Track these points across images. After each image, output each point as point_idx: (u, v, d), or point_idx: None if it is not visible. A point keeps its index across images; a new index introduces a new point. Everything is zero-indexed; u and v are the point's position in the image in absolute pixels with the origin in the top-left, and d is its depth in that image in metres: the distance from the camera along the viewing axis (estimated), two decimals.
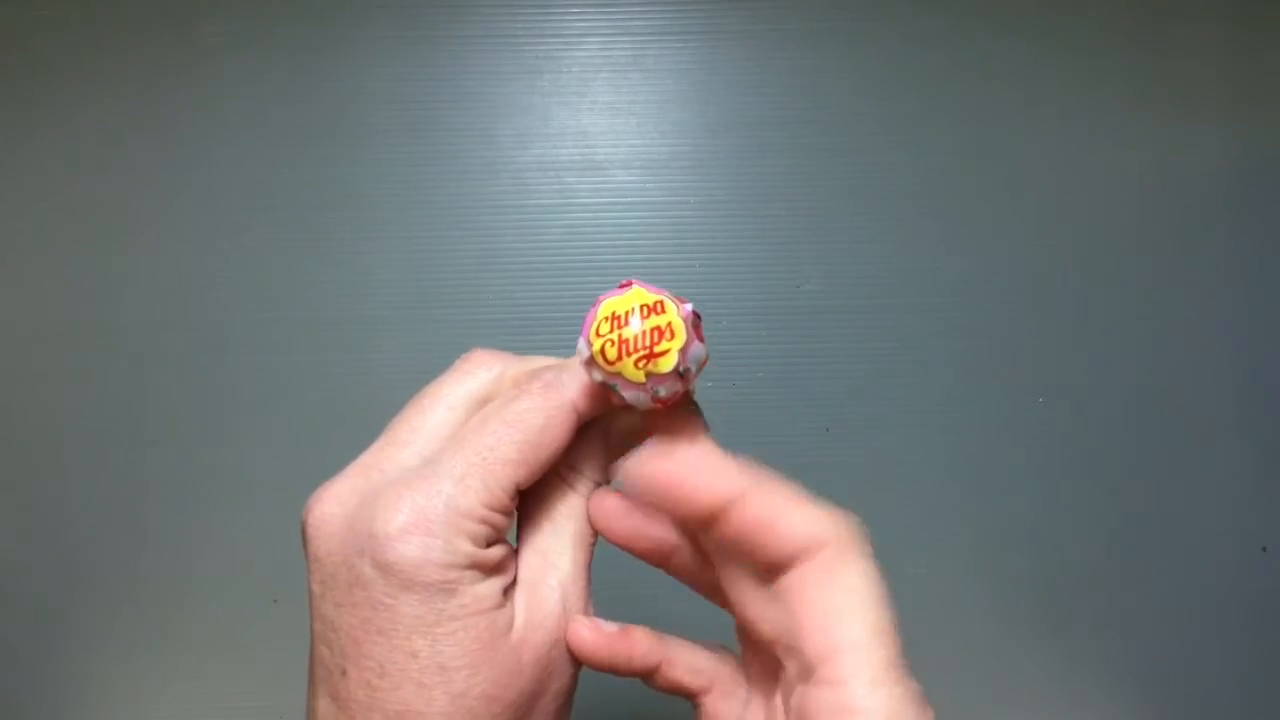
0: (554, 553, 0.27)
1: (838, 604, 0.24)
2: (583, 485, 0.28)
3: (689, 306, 0.26)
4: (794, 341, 0.55)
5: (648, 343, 0.24)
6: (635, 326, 0.24)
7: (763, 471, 0.25)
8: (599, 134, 0.55)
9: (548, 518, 0.27)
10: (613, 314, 0.25)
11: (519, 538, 0.28)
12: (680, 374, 0.25)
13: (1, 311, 0.54)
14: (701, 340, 0.26)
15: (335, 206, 0.54)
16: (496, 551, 0.25)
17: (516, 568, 0.27)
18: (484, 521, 0.25)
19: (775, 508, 0.25)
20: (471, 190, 0.55)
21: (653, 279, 0.57)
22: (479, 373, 0.28)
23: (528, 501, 0.28)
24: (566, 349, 0.54)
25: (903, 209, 0.55)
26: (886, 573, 0.26)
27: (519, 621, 0.25)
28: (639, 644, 0.27)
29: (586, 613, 0.27)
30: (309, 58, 0.55)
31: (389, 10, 0.55)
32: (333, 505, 0.26)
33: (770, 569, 0.25)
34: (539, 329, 0.54)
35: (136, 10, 0.54)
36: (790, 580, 0.24)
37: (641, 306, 0.25)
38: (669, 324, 0.24)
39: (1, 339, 0.54)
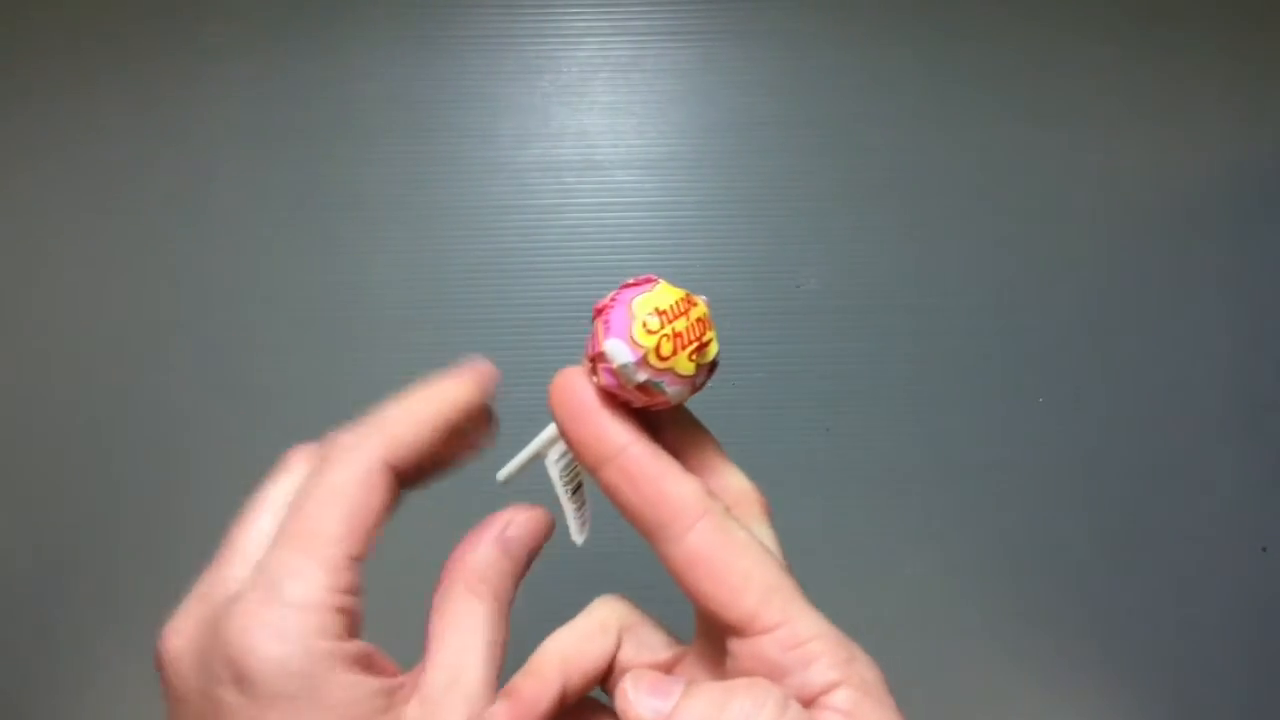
0: (460, 668, 0.25)
1: (738, 568, 0.24)
2: (489, 594, 0.26)
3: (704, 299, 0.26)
4: (794, 341, 0.55)
5: (697, 334, 0.24)
6: (684, 321, 0.24)
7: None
8: (599, 134, 0.55)
9: (454, 631, 0.26)
10: (657, 309, 0.24)
11: (424, 653, 0.26)
12: (716, 364, 0.25)
13: (3, 312, 0.54)
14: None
15: (335, 206, 0.55)
16: (357, 646, 0.24)
17: (415, 684, 0.25)
18: (335, 609, 0.24)
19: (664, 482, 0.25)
20: (471, 190, 0.55)
21: None
22: (299, 469, 0.27)
23: (433, 617, 0.26)
24: (566, 348, 0.54)
25: (902, 209, 0.55)
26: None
27: None
28: (546, 688, 0.26)
29: None
30: (309, 59, 0.55)
31: (389, 11, 0.55)
32: (178, 640, 0.25)
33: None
34: (539, 329, 0.54)
35: (137, 12, 0.55)
36: (686, 554, 0.24)
37: (680, 300, 0.25)
38: (705, 315, 0.25)
39: (1, 339, 0.54)
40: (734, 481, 0.28)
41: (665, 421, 0.27)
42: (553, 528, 0.29)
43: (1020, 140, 0.56)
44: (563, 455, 0.29)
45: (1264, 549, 0.55)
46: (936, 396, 0.55)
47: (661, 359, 0.24)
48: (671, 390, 0.25)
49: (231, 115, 0.55)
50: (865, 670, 0.24)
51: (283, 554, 0.24)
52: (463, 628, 0.26)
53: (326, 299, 0.54)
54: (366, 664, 0.24)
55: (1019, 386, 0.55)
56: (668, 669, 0.28)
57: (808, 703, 0.23)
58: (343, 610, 0.24)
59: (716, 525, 0.24)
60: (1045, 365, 0.55)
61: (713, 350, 0.25)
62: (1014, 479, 0.55)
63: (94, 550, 0.53)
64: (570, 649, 0.27)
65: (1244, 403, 0.55)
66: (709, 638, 0.27)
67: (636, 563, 0.29)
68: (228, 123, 0.55)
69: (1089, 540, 0.55)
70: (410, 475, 0.26)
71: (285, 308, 0.54)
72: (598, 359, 0.24)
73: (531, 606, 0.29)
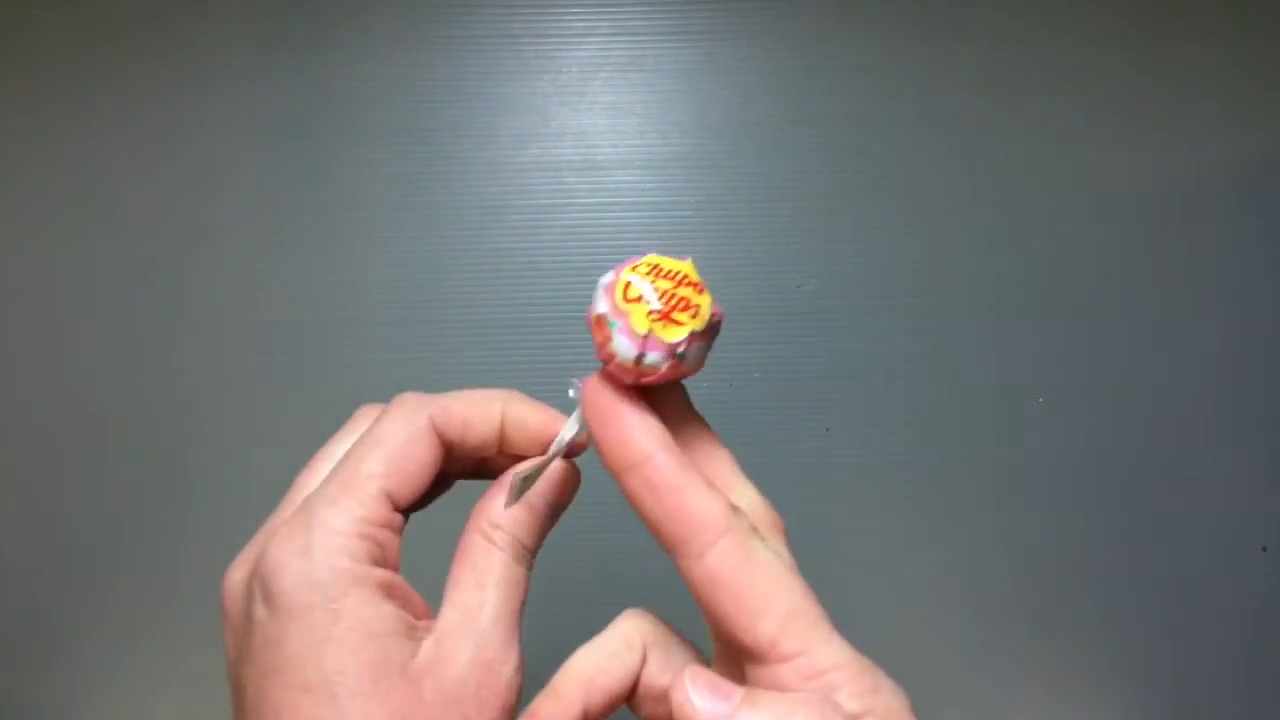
0: (473, 606, 0.26)
1: (758, 592, 0.24)
2: (506, 543, 0.27)
3: (720, 310, 0.26)
4: (794, 341, 0.55)
5: (670, 305, 0.24)
6: (668, 286, 0.24)
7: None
8: (599, 134, 0.55)
9: (470, 573, 0.27)
10: (658, 265, 0.25)
11: (443, 595, 0.27)
12: (676, 355, 0.24)
13: (1, 311, 0.54)
14: (707, 346, 0.25)
15: (335, 206, 0.54)
16: (382, 573, 0.25)
17: (435, 621, 0.26)
18: (361, 536, 0.25)
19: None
20: (471, 190, 0.55)
21: None
22: (364, 423, 0.29)
23: (453, 565, 0.27)
24: (566, 348, 0.54)
25: (902, 209, 0.55)
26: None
27: (421, 657, 0.24)
28: (566, 709, 0.26)
29: (509, 663, 0.25)
30: (309, 58, 0.55)
31: (389, 10, 0.55)
32: (236, 571, 0.26)
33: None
34: (538, 328, 0.54)
35: (137, 11, 0.54)
36: (706, 572, 0.24)
37: (685, 276, 0.25)
38: (698, 306, 0.25)
39: (2, 339, 0.54)
40: (747, 499, 0.27)
41: (681, 437, 0.27)
42: (577, 480, 0.29)
43: (1020, 140, 0.56)
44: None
45: (1264, 549, 0.55)
46: (936, 396, 0.55)
47: (625, 300, 0.24)
48: (618, 341, 0.24)
49: (231, 115, 0.55)
50: (890, 699, 0.23)
51: (324, 488, 0.26)
52: (478, 569, 0.27)
53: (326, 299, 0.54)
54: (391, 592, 0.25)
55: (1019, 386, 0.55)
56: None
57: None
58: (369, 538, 0.25)
59: (739, 544, 0.24)
60: (1045, 365, 0.55)
61: (675, 333, 0.24)
62: (1014, 479, 0.55)
63: (94, 550, 0.53)
64: (593, 667, 0.27)
65: (1244, 403, 0.55)
66: (728, 659, 0.26)
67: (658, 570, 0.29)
68: (227, 122, 0.55)
69: (1088, 540, 0.55)
70: (452, 449, 0.28)
71: (285, 308, 0.54)
72: (610, 361, 0.25)
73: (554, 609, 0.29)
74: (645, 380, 0.25)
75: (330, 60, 0.55)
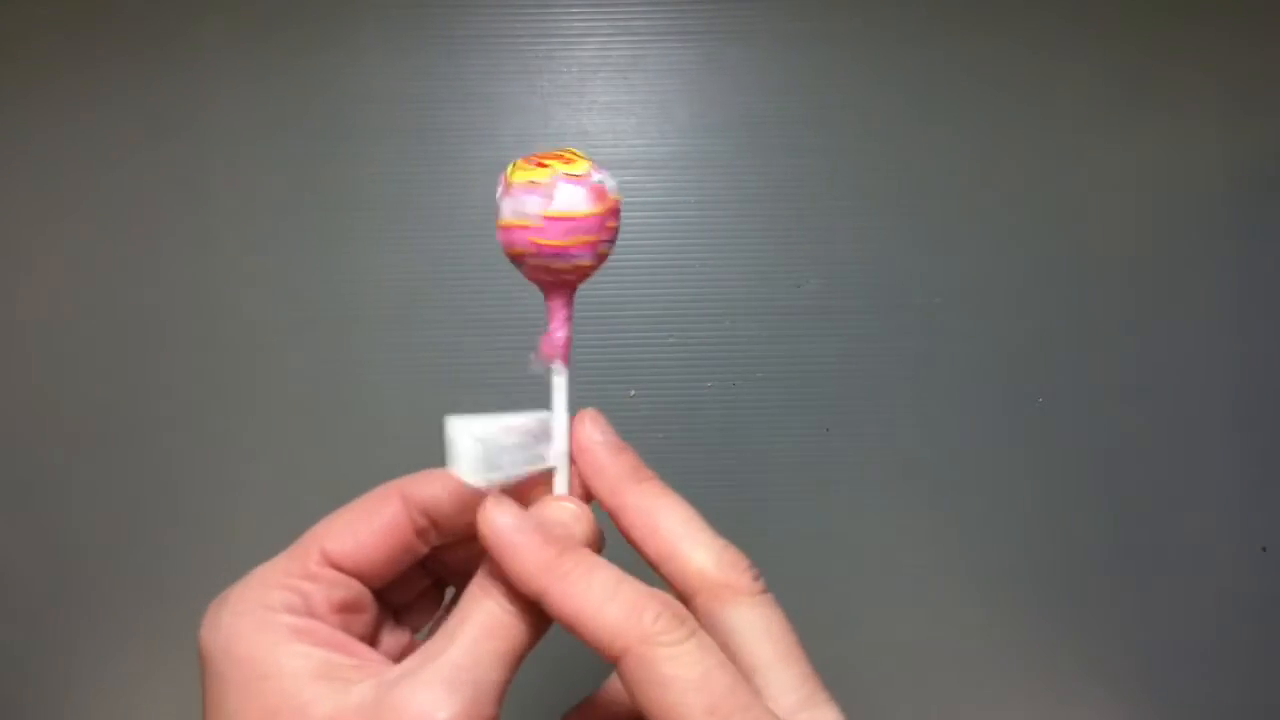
0: (434, 652, 0.24)
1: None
2: (502, 590, 0.25)
3: (602, 184, 0.27)
4: (794, 341, 0.55)
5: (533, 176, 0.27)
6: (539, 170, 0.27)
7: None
8: (599, 134, 0.55)
9: (452, 620, 0.25)
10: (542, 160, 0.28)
11: None
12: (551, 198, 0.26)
13: (1, 311, 0.54)
14: (597, 222, 0.27)
15: (335, 206, 0.54)
16: (295, 619, 0.25)
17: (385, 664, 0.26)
18: (283, 586, 0.25)
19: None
20: (472, 190, 0.55)
21: (653, 279, 0.57)
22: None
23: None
24: None
25: (902, 209, 0.55)
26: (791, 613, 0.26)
27: (346, 700, 0.23)
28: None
29: (445, 710, 0.23)
30: (308, 58, 0.55)
31: (389, 10, 0.55)
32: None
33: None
34: (538, 328, 0.54)
35: (136, 10, 0.54)
36: (624, 673, 0.23)
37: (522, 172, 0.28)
38: (545, 180, 0.27)
39: (1, 339, 0.54)
40: (699, 559, 0.26)
41: (632, 497, 0.27)
42: (594, 528, 0.28)
43: (1021, 141, 0.56)
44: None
45: (1264, 549, 0.55)
46: (936, 397, 0.55)
47: (510, 174, 0.27)
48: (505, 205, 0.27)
49: (230, 115, 0.55)
50: None
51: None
52: (459, 614, 0.25)
53: (326, 299, 0.54)
54: (306, 638, 0.25)
55: (1019, 386, 0.55)
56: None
57: None
58: (291, 589, 0.25)
59: (640, 657, 0.23)
60: (1045, 365, 0.55)
61: (521, 175, 0.27)
62: (1014, 479, 0.55)
63: (93, 550, 0.53)
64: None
65: (1244, 402, 0.55)
66: None
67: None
68: (226, 122, 0.55)
69: (1088, 540, 0.55)
70: (430, 519, 0.28)
71: (285, 307, 0.54)
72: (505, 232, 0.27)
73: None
74: (546, 252, 0.27)
75: (330, 60, 0.55)
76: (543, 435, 0.28)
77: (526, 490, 0.28)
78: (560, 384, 0.28)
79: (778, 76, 0.56)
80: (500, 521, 0.25)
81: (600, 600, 0.23)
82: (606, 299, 0.54)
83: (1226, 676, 0.55)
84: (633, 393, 0.54)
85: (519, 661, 0.25)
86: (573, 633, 0.24)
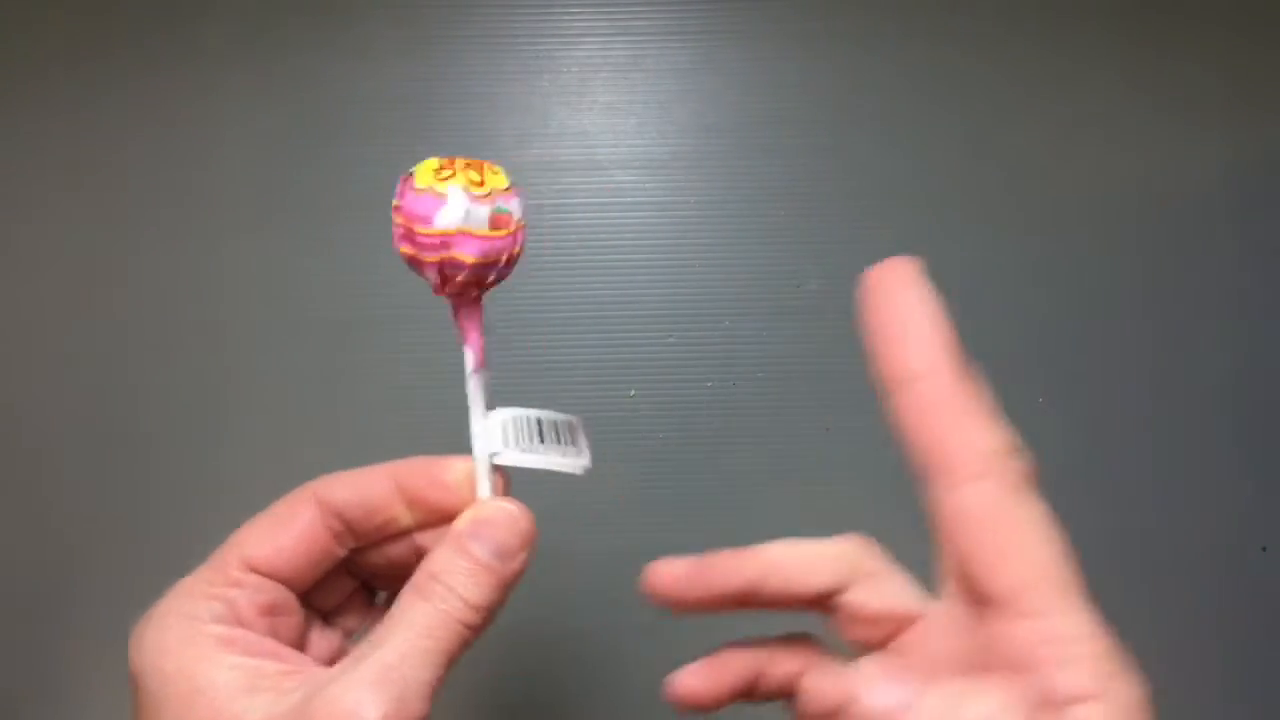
0: (361, 653, 0.24)
1: (1016, 540, 0.23)
2: (438, 594, 0.25)
3: (508, 205, 0.28)
4: (794, 341, 0.55)
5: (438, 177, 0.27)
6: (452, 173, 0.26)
7: None
8: (599, 134, 0.55)
9: (382, 624, 0.25)
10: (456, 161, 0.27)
11: None
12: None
13: (1, 311, 0.54)
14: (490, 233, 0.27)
15: (335, 207, 0.54)
16: (222, 629, 0.25)
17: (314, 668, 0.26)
18: (207, 596, 0.26)
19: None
20: None
21: (653, 279, 0.57)
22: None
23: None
24: (566, 348, 0.54)
25: (902, 209, 0.55)
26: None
27: (276, 707, 0.23)
28: (731, 569, 0.25)
29: (373, 710, 0.22)
30: (308, 58, 0.55)
31: (389, 10, 0.55)
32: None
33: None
34: (538, 329, 0.54)
35: (136, 10, 0.54)
36: (959, 506, 0.23)
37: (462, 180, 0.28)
38: (442, 191, 0.27)
39: (1, 338, 0.54)
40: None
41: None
42: (532, 530, 0.27)
43: (1021, 141, 0.56)
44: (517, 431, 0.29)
45: (1264, 549, 0.55)
46: None
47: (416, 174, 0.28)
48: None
49: (230, 114, 0.55)
50: (1128, 688, 0.22)
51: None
52: (391, 618, 0.25)
53: (326, 299, 0.54)
54: (235, 647, 0.25)
55: (1019, 386, 0.55)
56: (904, 623, 0.27)
57: (1052, 706, 0.21)
58: (216, 598, 0.26)
59: (1002, 486, 0.22)
60: (1045, 365, 0.55)
61: (425, 170, 0.27)
62: None
63: (93, 549, 0.53)
64: (787, 557, 0.25)
65: (1244, 402, 0.55)
66: (960, 598, 0.25)
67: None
68: (226, 122, 0.55)
69: (1088, 540, 0.55)
70: (354, 525, 0.28)
71: (284, 307, 0.54)
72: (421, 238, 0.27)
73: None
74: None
75: (329, 60, 0.55)
76: (570, 436, 0.28)
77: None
78: (475, 386, 0.29)
79: (778, 76, 0.56)
80: (895, 297, 0.25)
81: (981, 416, 0.24)
82: (606, 299, 0.54)
83: (1227, 676, 0.55)
84: (633, 393, 0.54)
85: (451, 661, 0.25)
86: (925, 441, 0.23)
